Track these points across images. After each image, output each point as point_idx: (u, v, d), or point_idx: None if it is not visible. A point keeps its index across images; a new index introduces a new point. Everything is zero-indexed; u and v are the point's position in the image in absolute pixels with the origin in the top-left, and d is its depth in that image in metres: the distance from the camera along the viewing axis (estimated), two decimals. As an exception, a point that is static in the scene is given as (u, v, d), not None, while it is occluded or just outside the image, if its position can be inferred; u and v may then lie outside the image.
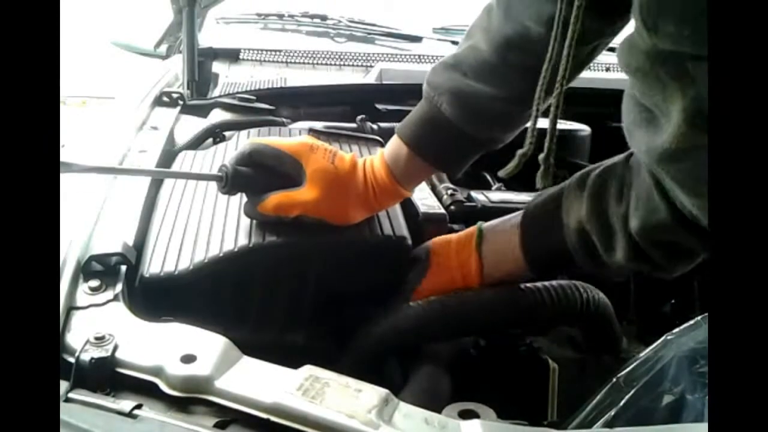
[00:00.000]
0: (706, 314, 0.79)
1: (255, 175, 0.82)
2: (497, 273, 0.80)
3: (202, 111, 1.36)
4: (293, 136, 0.92)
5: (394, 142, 0.85)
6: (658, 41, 0.49)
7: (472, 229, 0.84)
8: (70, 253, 0.74)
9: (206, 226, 0.83)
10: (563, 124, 1.32)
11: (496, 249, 0.81)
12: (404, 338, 0.80)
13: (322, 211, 0.80)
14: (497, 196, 1.07)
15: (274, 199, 0.80)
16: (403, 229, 0.87)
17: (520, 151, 0.74)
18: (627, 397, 0.75)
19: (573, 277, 0.84)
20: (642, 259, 0.67)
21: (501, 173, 0.77)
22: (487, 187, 1.20)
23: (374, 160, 0.85)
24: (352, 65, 1.85)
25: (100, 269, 0.74)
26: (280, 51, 1.87)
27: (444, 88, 0.81)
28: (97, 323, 0.65)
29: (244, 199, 0.84)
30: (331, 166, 0.81)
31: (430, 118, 0.82)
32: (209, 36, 1.90)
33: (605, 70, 1.76)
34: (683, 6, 0.46)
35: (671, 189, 0.60)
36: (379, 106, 1.39)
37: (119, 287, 0.72)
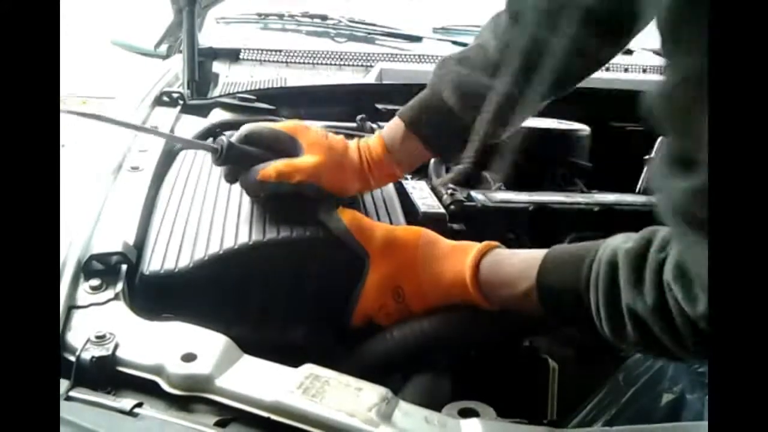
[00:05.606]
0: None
1: (250, 151, 0.84)
2: (494, 295, 0.74)
3: (202, 111, 1.36)
4: None
5: (393, 122, 0.90)
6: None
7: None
8: (71, 252, 0.74)
9: (206, 223, 0.83)
10: (563, 124, 1.32)
11: (503, 267, 0.74)
12: (409, 355, 0.76)
13: (322, 177, 0.83)
14: (497, 196, 1.07)
15: (276, 165, 0.82)
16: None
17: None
18: (627, 396, 0.75)
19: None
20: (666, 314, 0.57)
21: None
22: (487, 187, 1.20)
23: (369, 139, 0.91)
24: (352, 65, 1.85)
25: (100, 268, 0.74)
26: (280, 51, 1.87)
27: (449, 78, 0.86)
28: (98, 322, 0.65)
29: (245, 197, 0.85)
30: (326, 140, 0.86)
31: (430, 103, 0.88)
32: (209, 36, 1.90)
33: (605, 70, 1.75)
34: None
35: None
36: (379, 106, 1.38)
37: (120, 286, 0.72)
